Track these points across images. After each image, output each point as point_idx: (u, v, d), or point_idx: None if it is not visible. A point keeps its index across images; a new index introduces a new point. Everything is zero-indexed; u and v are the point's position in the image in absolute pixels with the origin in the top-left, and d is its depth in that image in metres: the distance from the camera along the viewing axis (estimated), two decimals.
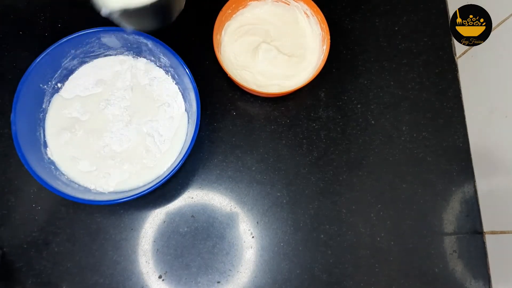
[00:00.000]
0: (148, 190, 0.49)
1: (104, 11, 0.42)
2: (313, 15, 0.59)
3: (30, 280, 0.54)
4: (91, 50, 0.56)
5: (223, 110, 0.61)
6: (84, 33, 0.52)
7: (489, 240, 0.58)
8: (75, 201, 0.48)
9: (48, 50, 0.51)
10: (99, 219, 0.56)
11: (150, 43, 0.54)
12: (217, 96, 0.62)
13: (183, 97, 0.58)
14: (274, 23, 0.61)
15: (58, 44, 0.52)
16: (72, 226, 0.55)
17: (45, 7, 0.63)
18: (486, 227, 0.59)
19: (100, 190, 0.53)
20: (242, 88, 0.58)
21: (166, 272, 0.55)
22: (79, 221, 0.56)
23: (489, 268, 0.58)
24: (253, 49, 0.60)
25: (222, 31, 0.59)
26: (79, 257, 0.55)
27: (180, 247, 0.56)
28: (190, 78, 0.52)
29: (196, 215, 0.57)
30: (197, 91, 0.52)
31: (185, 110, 0.57)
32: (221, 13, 0.57)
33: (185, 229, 0.57)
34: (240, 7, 0.60)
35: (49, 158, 0.53)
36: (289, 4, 0.61)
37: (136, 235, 0.56)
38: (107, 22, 0.62)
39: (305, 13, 0.60)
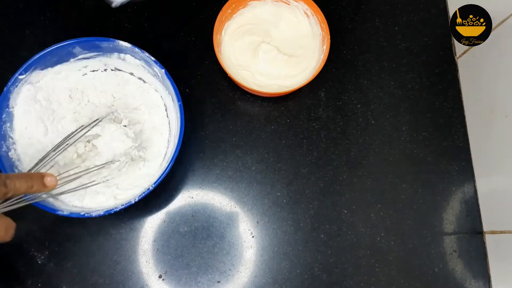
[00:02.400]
0: (127, 205, 0.48)
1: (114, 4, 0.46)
2: (313, 15, 0.59)
3: (30, 280, 0.54)
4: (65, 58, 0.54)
5: (223, 110, 0.61)
6: (59, 46, 0.52)
7: (489, 240, 0.58)
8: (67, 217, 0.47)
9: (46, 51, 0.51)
10: (99, 219, 0.56)
11: (135, 51, 0.53)
12: (217, 96, 0.62)
13: (168, 106, 0.57)
14: (274, 23, 0.61)
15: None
16: (72, 226, 0.55)
17: (45, 7, 0.63)
18: (486, 227, 0.59)
19: (87, 209, 0.51)
20: (242, 88, 0.58)
21: (166, 271, 0.55)
22: (79, 221, 0.56)
23: (489, 268, 0.58)
24: (253, 49, 0.60)
25: (222, 31, 0.59)
26: (79, 257, 0.55)
27: (180, 246, 0.56)
28: (172, 85, 0.52)
29: (196, 214, 0.57)
30: (180, 97, 0.51)
31: (168, 117, 0.57)
32: (221, 13, 0.57)
33: (185, 228, 0.57)
34: (240, 7, 0.60)
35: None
36: (289, 4, 0.61)
37: (136, 235, 0.56)
38: (105, 23, 0.63)
39: (305, 13, 0.60)
